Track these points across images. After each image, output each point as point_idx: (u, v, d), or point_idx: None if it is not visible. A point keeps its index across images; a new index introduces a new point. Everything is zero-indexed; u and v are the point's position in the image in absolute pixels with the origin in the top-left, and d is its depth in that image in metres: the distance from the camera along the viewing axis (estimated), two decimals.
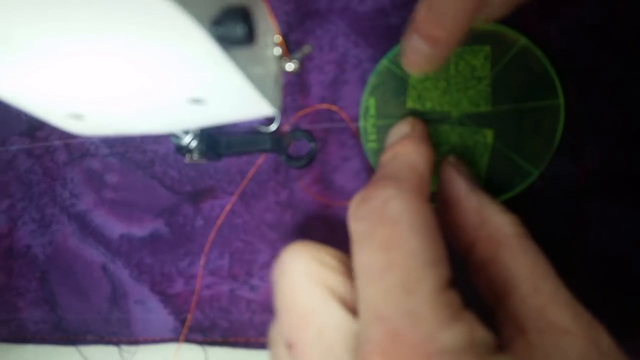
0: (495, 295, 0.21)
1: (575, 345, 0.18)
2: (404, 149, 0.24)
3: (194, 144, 0.29)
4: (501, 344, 0.19)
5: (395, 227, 0.19)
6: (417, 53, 0.23)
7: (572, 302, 0.19)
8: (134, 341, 0.34)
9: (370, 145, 0.30)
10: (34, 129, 0.36)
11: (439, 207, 0.25)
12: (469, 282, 0.22)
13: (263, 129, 0.31)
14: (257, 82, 0.19)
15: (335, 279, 0.21)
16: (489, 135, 0.28)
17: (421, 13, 0.22)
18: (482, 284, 0.22)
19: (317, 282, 0.21)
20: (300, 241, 0.22)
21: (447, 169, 0.25)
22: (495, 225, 0.22)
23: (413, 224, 0.19)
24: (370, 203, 0.20)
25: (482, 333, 0.18)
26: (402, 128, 0.26)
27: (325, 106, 0.31)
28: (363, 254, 0.19)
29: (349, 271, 0.21)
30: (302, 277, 0.21)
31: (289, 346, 0.21)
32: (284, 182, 0.32)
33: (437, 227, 0.20)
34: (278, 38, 0.23)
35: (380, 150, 0.29)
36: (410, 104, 0.29)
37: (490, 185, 0.28)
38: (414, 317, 0.17)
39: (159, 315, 0.33)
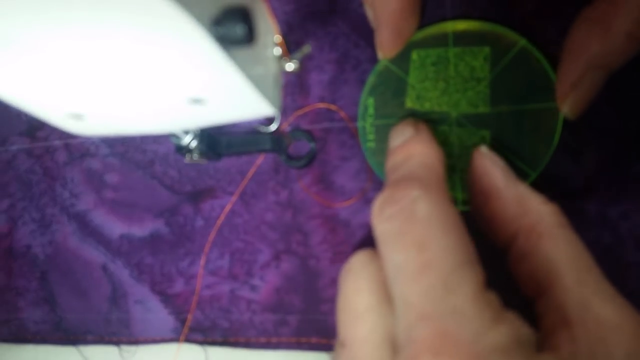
0: (537, 287, 0.20)
1: (623, 341, 0.17)
2: (416, 150, 0.23)
3: (194, 144, 0.29)
4: (542, 338, 0.18)
5: (427, 226, 0.19)
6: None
7: (617, 297, 0.19)
8: (134, 341, 0.34)
9: (369, 145, 0.30)
10: (34, 129, 0.36)
11: (475, 199, 0.24)
12: (504, 279, 0.22)
13: (263, 129, 0.31)
14: (257, 82, 0.19)
15: None
16: (487, 136, 0.28)
17: None
18: (523, 275, 0.21)
19: (378, 285, 0.21)
20: (370, 249, 0.22)
21: (481, 160, 0.24)
22: (537, 215, 0.21)
23: (444, 223, 0.19)
24: (397, 203, 0.20)
25: (526, 331, 0.18)
26: (405, 129, 0.26)
27: (324, 106, 0.31)
28: (396, 254, 0.19)
29: None
30: (364, 278, 0.21)
31: (342, 345, 0.21)
32: (284, 182, 0.32)
33: (465, 227, 0.20)
34: (278, 38, 0.23)
35: (378, 150, 0.29)
36: (409, 104, 0.29)
37: None
38: (460, 316, 0.17)
39: (159, 315, 0.33)
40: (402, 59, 0.29)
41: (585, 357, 0.17)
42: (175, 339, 0.33)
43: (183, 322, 0.33)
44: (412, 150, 0.24)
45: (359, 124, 0.30)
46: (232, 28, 0.15)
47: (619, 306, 0.18)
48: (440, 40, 0.29)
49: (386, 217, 0.20)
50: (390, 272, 0.19)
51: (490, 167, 0.24)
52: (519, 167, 0.27)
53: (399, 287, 0.18)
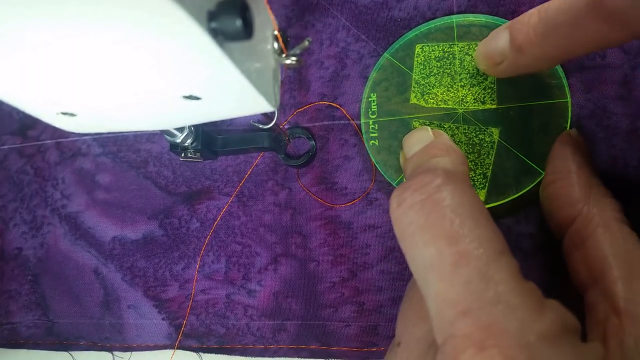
0: (590, 275, 0.21)
1: None
2: (439, 152, 0.23)
3: (189, 141, 0.29)
4: (591, 327, 0.19)
5: (456, 216, 0.18)
6: (496, 51, 0.24)
7: None
8: (127, 347, 0.33)
9: (372, 143, 0.29)
10: (25, 127, 0.37)
11: (546, 178, 0.25)
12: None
13: (261, 126, 0.31)
14: (255, 78, 0.19)
15: None
16: (495, 133, 0.27)
17: (533, 19, 0.22)
18: (577, 262, 0.22)
19: None
20: None
21: (564, 144, 0.25)
22: (600, 205, 0.22)
23: (473, 212, 0.18)
24: (420, 191, 0.19)
25: (571, 318, 0.17)
26: (422, 135, 0.25)
27: (325, 103, 0.30)
28: (426, 248, 0.18)
29: None
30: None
31: (398, 344, 0.21)
32: (282, 182, 0.31)
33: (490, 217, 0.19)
34: (276, 32, 0.22)
35: (382, 148, 0.29)
36: (413, 100, 0.28)
37: (497, 184, 0.27)
38: (504, 307, 0.16)
39: (153, 320, 0.33)
40: (405, 53, 0.28)
41: (632, 350, 0.18)
42: (169, 345, 0.32)
43: (177, 327, 0.32)
44: (434, 151, 0.23)
45: (362, 120, 0.29)
46: (228, 22, 0.15)
47: None
48: (446, 34, 0.28)
49: (408, 207, 0.19)
50: (420, 269, 0.19)
51: (570, 150, 0.25)
52: (528, 165, 0.27)
53: (433, 284, 0.18)
